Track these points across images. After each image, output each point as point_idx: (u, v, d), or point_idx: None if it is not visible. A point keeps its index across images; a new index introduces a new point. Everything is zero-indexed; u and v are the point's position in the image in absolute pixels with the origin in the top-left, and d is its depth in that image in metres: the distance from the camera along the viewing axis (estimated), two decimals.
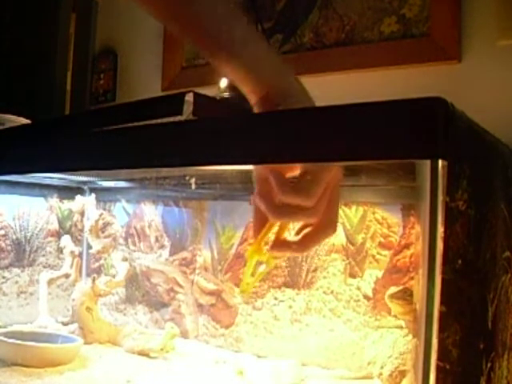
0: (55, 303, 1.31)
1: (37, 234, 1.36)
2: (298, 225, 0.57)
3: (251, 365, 1.03)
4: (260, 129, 0.46)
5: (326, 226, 0.53)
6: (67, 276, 1.26)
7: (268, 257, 0.58)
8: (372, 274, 1.04)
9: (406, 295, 0.96)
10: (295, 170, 0.53)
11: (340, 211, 1.08)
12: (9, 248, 1.30)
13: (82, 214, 1.37)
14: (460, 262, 0.42)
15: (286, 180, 0.51)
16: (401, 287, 0.98)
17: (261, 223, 0.56)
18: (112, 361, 1.05)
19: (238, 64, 0.53)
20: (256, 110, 0.54)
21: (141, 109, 0.57)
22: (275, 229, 0.57)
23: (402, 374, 0.97)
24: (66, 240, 1.28)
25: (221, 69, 0.54)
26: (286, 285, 1.13)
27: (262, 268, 0.60)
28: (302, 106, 0.52)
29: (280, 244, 0.55)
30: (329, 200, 0.52)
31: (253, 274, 0.61)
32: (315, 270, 1.10)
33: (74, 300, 1.17)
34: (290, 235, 0.57)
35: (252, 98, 0.54)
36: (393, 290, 0.98)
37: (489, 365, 0.48)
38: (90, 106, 1.54)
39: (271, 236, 0.57)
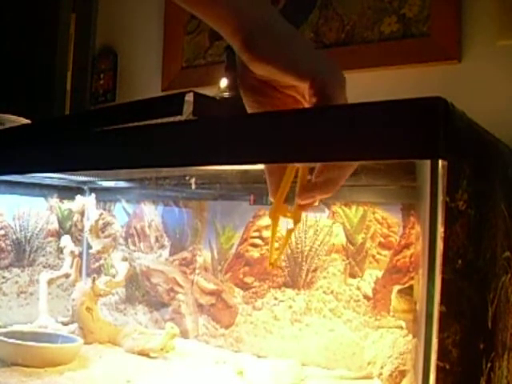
0: (55, 303, 1.31)
1: (37, 234, 1.36)
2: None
3: (251, 365, 1.03)
4: (260, 129, 0.46)
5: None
6: (67, 276, 1.26)
7: (293, 212, 0.56)
8: (372, 274, 1.04)
9: (413, 292, 0.96)
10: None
11: (340, 211, 1.08)
12: (9, 248, 1.30)
13: (82, 214, 1.37)
14: (460, 261, 0.42)
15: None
16: (410, 283, 0.98)
17: (276, 181, 0.54)
18: (112, 361, 1.05)
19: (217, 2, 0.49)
20: (241, 57, 0.50)
21: (141, 109, 0.57)
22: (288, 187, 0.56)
23: (402, 373, 0.97)
24: (65, 240, 1.28)
25: (198, 13, 0.50)
26: (286, 285, 1.13)
27: (290, 226, 0.58)
28: (289, 41, 0.49)
29: (305, 191, 0.53)
30: None
31: (277, 239, 0.58)
32: (315, 270, 1.10)
33: (74, 300, 1.17)
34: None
35: (236, 41, 0.50)
36: (401, 286, 0.98)
37: (489, 365, 0.48)
38: (90, 105, 1.54)
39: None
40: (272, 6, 0.52)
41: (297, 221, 0.58)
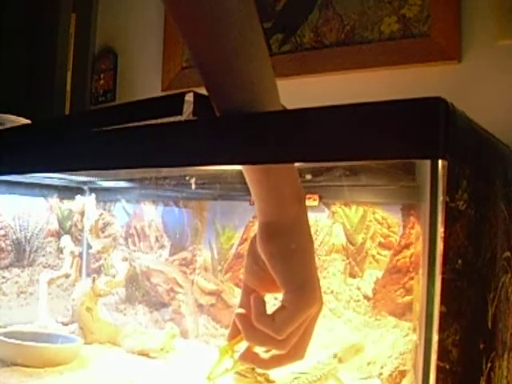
0: (55, 303, 1.31)
1: (37, 234, 1.36)
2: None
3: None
4: (260, 129, 0.46)
5: (292, 355, 0.55)
6: (67, 276, 1.26)
7: (236, 360, 0.61)
8: (372, 274, 1.04)
9: None
10: (277, 292, 0.55)
11: (340, 211, 1.08)
12: (9, 248, 1.30)
13: (82, 214, 1.37)
14: (460, 261, 0.42)
15: (264, 309, 0.54)
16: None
17: (237, 329, 0.58)
18: (112, 361, 1.05)
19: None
20: (258, 236, 0.56)
21: (141, 109, 0.57)
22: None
23: (402, 374, 0.97)
24: (65, 240, 1.28)
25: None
26: None
27: (229, 366, 0.63)
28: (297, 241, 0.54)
29: (248, 356, 0.57)
30: (304, 331, 0.55)
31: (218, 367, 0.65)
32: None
33: (74, 300, 1.17)
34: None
35: (259, 219, 0.57)
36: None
37: (489, 365, 0.48)
38: (90, 106, 1.54)
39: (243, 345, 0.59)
40: (299, 207, 0.56)
41: (235, 368, 0.64)
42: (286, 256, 0.53)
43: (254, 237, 0.57)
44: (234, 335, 0.61)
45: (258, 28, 0.52)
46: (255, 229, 1.21)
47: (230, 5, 0.49)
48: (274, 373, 0.88)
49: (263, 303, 0.54)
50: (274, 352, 0.55)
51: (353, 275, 1.06)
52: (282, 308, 0.52)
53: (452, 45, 1.02)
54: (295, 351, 0.55)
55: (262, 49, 0.52)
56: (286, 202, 0.54)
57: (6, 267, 1.30)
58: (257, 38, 0.52)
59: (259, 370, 0.88)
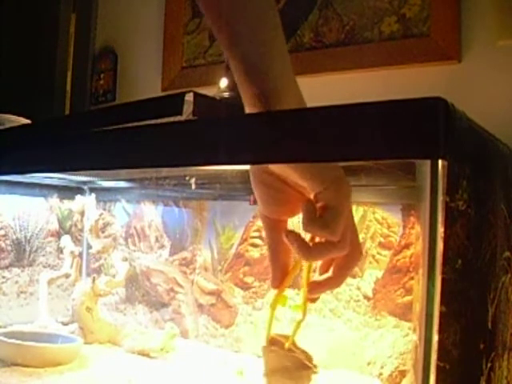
0: (55, 303, 1.31)
1: (37, 234, 1.36)
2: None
3: (251, 365, 1.03)
4: (260, 129, 0.46)
5: (354, 253, 0.53)
6: (67, 276, 1.26)
7: (302, 304, 0.57)
8: (372, 274, 1.04)
9: None
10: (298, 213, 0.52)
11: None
12: (9, 248, 1.30)
13: (82, 214, 1.37)
14: (460, 261, 0.42)
15: (316, 213, 0.51)
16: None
17: (281, 271, 0.56)
18: (112, 361, 1.05)
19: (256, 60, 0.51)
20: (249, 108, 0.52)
21: (141, 109, 0.57)
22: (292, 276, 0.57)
23: (402, 373, 0.97)
24: (65, 240, 1.28)
25: (232, 60, 0.51)
26: None
27: (298, 317, 0.59)
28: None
29: (316, 286, 0.55)
30: (350, 229, 0.52)
31: (270, 321, 0.61)
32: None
33: (74, 300, 1.17)
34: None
35: (253, 101, 0.52)
36: None
37: (489, 365, 0.48)
38: (90, 106, 1.54)
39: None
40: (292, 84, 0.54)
41: (304, 312, 0.59)
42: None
43: (255, 168, 0.54)
44: (278, 281, 0.57)
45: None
46: (255, 229, 1.22)
47: None
48: None
49: (314, 207, 0.51)
50: (334, 267, 0.53)
51: (353, 275, 1.06)
52: (325, 208, 0.49)
53: (452, 45, 1.02)
54: (354, 249, 0.52)
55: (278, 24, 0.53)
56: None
57: (6, 267, 1.30)
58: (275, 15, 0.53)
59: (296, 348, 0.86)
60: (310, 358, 0.85)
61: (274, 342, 0.80)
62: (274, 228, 0.55)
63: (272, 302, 0.58)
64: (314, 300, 0.58)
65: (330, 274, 0.54)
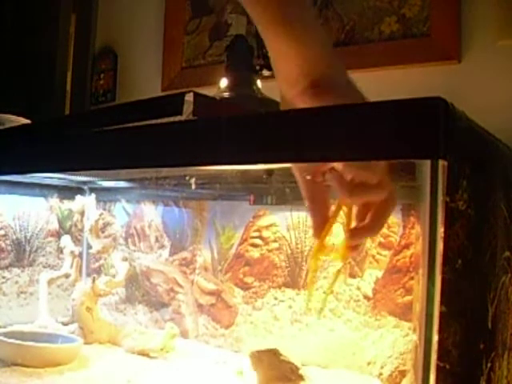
0: (55, 303, 1.31)
1: (37, 234, 1.36)
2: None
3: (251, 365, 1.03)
4: (260, 129, 0.46)
5: (390, 200, 0.53)
6: (67, 276, 1.26)
7: (341, 252, 0.56)
8: (372, 274, 1.04)
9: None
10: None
11: (340, 211, 1.08)
12: (9, 248, 1.30)
13: (82, 214, 1.37)
14: (460, 261, 0.42)
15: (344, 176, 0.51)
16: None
17: (322, 220, 0.55)
18: (112, 361, 1.05)
19: (296, 40, 0.50)
20: (300, 98, 0.51)
21: (141, 109, 0.57)
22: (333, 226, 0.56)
23: (402, 373, 0.97)
24: (65, 240, 1.28)
25: (271, 43, 0.52)
26: (286, 285, 1.13)
27: (339, 266, 0.59)
28: (351, 97, 0.51)
29: (356, 232, 0.54)
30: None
31: (314, 272, 0.60)
32: (315, 270, 1.10)
33: (74, 300, 1.17)
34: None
35: (300, 83, 0.51)
36: None
37: (489, 365, 0.48)
38: (90, 106, 1.54)
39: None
40: (339, 61, 0.54)
41: (344, 260, 0.58)
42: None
43: None
44: (319, 230, 0.56)
45: None
46: (255, 229, 1.22)
47: None
48: None
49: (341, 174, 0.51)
50: (371, 214, 0.53)
51: (353, 275, 1.06)
52: None
53: (452, 45, 1.02)
54: (389, 198, 0.52)
55: None
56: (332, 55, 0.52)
57: (6, 267, 1.30)
58: None
59: (283, 358, 0.87)
60: (295, 370, 0.86)
61: (263, 355, 0.81)
62: (312, 178, 0.55)
63: (314, 252, 0.58)
64: (354, 248, 0.57)
65: (367, 221, 0.54)
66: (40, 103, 1.47)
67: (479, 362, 0.46)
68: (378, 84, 1.10)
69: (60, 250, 1.34)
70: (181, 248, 1.30)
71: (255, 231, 1.19)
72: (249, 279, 1.19)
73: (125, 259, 1.30)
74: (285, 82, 0.52)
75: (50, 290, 1.26)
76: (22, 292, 1.33)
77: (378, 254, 1.04)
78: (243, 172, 0.97)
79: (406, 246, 1.01)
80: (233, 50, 0.95)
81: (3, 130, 0.71)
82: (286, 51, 0.51)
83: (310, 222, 0.56)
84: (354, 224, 0.55)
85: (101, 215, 1.28)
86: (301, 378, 0.87)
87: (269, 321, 1.15)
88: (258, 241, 1.18)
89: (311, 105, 0.50)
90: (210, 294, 1.24)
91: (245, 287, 1.19)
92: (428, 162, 0.49)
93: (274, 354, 0.88)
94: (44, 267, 1.36)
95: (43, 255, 1.37)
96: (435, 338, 0.44)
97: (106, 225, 1.42)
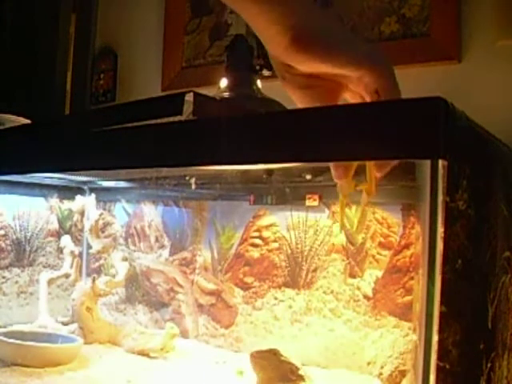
0: (55, 303, 1.31)
1: (37, 234, 1.36)
2: None
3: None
4: (260, 129, 0.46)
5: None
6: (67, 276, 1.26)
7: (368, 184, 0.56)
8: (372, 274, 1.04)
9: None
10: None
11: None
12: (9, 248, 1.30)
13: (82, 214, 1.37)
14: (460, 261, 0.42)
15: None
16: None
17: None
18: (112, 361, 1.05)
19: None
20: (286, 56, 0.49)
21: (141, 109, 0.57)
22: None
23: (402, 373, 0.97)
24: (65, 240, 1.28)
25: (244, 9, 0.50)
26: (286, 285, 1.13)
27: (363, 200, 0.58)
28: (344, 44, 0.49)
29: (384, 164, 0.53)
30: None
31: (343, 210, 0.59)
32: (315, 270, 1.10)
33: (74, 300, 1.17)
34: None
35: (281, 42, 0.49)
36: None
37: (489, 365, 0.48)
38: (90, 105, 1.54)
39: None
40: (315, 5, 0.52)
41: (372, 193, 0.57)
42: (338, 46, 0.48)
43: (286, 77, 0.51)
44: (343, 168, 0.55)
45: None
46: (255, 229, 1.22)
47: None
48: None
49: None
50: None
51: (353, 275, 1.06)
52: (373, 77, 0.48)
53: (452, 45, 1.02)
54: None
55: None
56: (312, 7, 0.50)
57: (6, 267, 1.30)
58: None
59: (283, 358, 0.87)
60: (295, 370, 0.87)
61: (263, 356, 0.82)
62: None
63: (341, 189, 0.57)
64: (381, 179, 0.56)
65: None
66: (40, 103, 1.47)
67: (479, 362, 0.46)
68: None
69: (60, 250, 1.34)
70: (181, 248, 1.30)
71: (255, 231, 1.19)
72: (249, 279, 1.19)
73: (125, 259, 1.30)
74: (268, 45, 0.51)
75: (50, 290, 1.26)
76: (22, 292, 1.33)
77: (378, 253, 1.04)
78: (243, 172, 0.97)
79: (406, 246, 1.01)
80: (233, 49, 0.95)
81: (3, 130, 0.71)
82: (259, 11, 0.49)
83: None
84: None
85: (101, 215, 1.28)
86: (301, 378, 0.87)
87: (269, 321, 1.15)
88: (257, 241, 1.18)
89: (299, 62, 0.49)
90: (210, 293, 1.24)
91: (245, 287, 1.19)
92: (428, 162, 0.49)
93: (274, 354, 0.88)
94: (44, 267, 1.36)
95: (43, 255, 1.37)
96: (435, 338, 0.44)
97: (106, 225, 1.42)
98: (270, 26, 0.49)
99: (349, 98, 0.54)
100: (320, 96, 0.52)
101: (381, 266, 1.04)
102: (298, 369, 0.88)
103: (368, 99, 0.50)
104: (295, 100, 0.54)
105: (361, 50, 0.49)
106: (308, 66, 0.49)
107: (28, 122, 1.01)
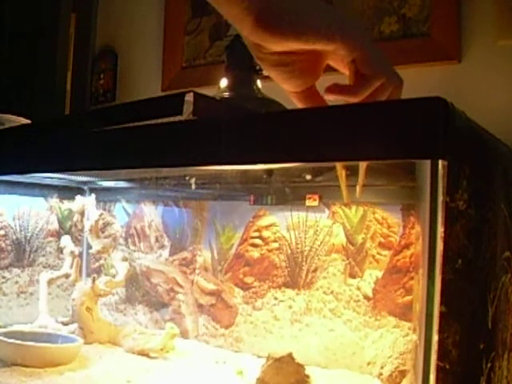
0: (55, 303, 1.31)
1: (37, 234, 1.36)
2: None
3: (251, 365, 1.03)
4: (260, 129, 0.46)
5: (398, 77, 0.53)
6: (67, 276, 1.26)
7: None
8: (372, 274, 1.04)
9: None
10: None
11: (340, 211, 1.08)
12: (9, 248, 1.30)
13: (82, 214, 1.37)
14: (460, 261, 0.42)
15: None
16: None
17: None
18: (112, 361, 1.05)
19: None
20: (254, 36, 0.48)
21: (141, 109, 0.57)
22: None
23: (402, 373, 0.97)
24: (65, 240, 1.28)
25: None
26: (286, 285, 1.13)
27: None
28: (315, 20, 0.48)
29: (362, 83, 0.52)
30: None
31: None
32: (315, 270, 1.10)
33: (74, 300, 1.17)
34: None
35: (247, 22, 0.48)
36: None
37: (489, 365, 0.48)
38: (90, 106, 1.54)
39: None
40: None
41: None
42: (303, 20, 0.47)
43: (255, 54, 0.50)
44: None
45: None
46: (255, 229, 1.22)
47: None
48: None
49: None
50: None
51: (353, 275, 1.06)
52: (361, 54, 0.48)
53: (452, 45, 1.02)
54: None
55: None
56: None
57: (6, 267, 1.30)
58: None
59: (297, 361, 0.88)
60: (302, 372, 0.87)
61: (280, 363, 0.83)
62: (307, 98, 0.53)
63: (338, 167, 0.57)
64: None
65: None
66: (40, 103, 1.47)
67: (479, 362, 0.46)
68: None
69: (60, 250, 1.34)
70: (181, 248, 1.30)
71: (255, 231, 1.19)
72: (249, 279, 1.19)
73: (125, 259, 1.30)
74: (236, 25, 0.50)
75: (50, 290, 1.26)
76: (22, 292, 1.33)
77: (378, 254, 1.04)
78: (243, 172, 0.97)
79: (406, 246, 1.01)
80: (233, 49, 0.95)
81: (3, 130, 0.71)
82: None
83: None
84: None
85: (101, 215, 1.28)
86: (311, 379, 0.89)
87: (269, 321, 1.15)
88: (257, 241, 1.18)
89: (268, 41, 0.48)
90: (210, 294, 1.24)
91: (245, 287, 1.19)
92: (428, 162, 0.49)
93: (291, 358, 0.89)
94: (44, 267, 1.36)
95: (43, 255, 1.37)
96: (435, 338, 0.44)
97: (106, 225, 1.42)
98: (235, 5, 0.48)
99: (333, 64, 0.53)
100: (300, 72, 0.51)
101: (381, 266, 1.04)
102: (304, 369, 0.90)
103: (346, 71, 0.49)
104: (274, 78, 0.52)
105: (331, 22, 0.47)
106: (278, 44, 0.48)
107: (28, 121, 1.02)
